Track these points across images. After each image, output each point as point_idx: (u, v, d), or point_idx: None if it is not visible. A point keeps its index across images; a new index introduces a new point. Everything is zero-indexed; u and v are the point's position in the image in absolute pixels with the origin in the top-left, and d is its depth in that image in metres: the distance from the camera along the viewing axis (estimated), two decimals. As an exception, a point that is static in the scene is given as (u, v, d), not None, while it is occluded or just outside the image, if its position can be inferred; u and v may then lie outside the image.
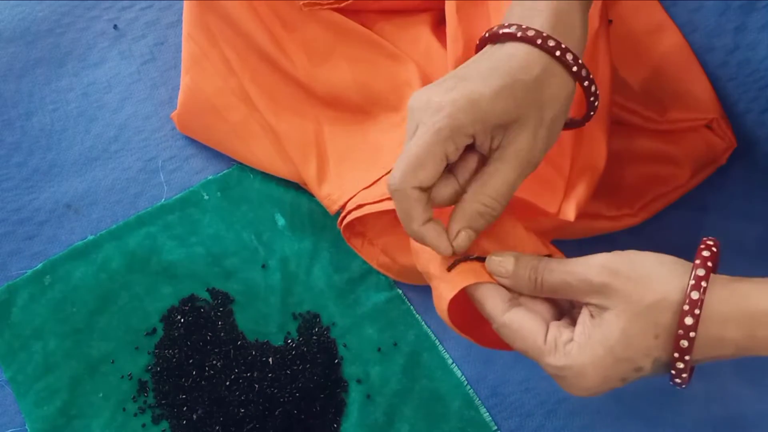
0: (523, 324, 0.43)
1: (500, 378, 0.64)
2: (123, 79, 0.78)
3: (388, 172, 0.66)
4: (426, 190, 0.45)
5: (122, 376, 0.64)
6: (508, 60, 0.45)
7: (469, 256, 0.47)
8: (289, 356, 0.64)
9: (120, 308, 0.67)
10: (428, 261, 0.48)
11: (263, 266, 0.69)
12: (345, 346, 0.66)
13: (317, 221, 0.71)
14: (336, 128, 0.71)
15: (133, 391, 0.64)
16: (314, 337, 0.66)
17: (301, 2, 0.69)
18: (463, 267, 0.46)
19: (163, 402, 0.63)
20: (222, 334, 0.65)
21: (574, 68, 0.45)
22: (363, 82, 0.70)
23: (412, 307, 0.68)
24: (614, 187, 0.67)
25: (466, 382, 0.65)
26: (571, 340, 0.42)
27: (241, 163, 0.73)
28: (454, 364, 0.65)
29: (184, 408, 0.62)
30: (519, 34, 0.45)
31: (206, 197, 0.72)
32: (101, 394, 0.64)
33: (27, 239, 0.70)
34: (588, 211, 0.65)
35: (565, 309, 0.46)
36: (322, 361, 0.64)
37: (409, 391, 0.64)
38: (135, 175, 0.73)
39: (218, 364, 0.64)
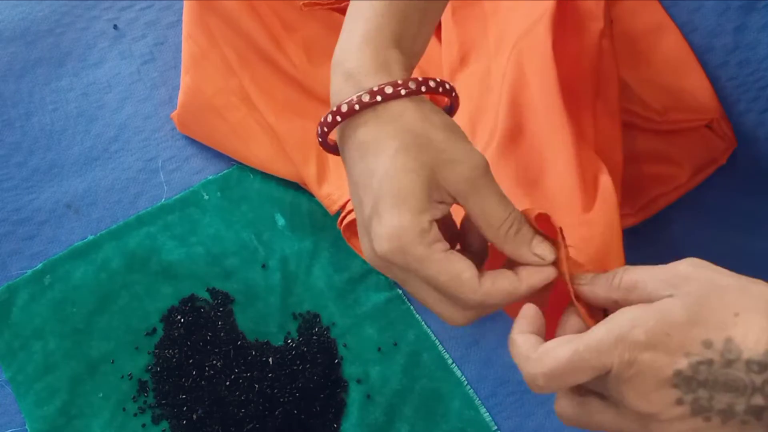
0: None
1: (500, 378, 0.64)
2: (123, 79, 0.78)
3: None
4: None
5: (122, 376, 0.64)
6: (382, 151, 0.37)
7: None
8: (289, 356, 0.64)
9: (120, 308, 0.67)
10: None
11: (263, 266, 0.69)
12: (345, 346, 0.66)
13: (317, 221, 0.71)
14: (336, 128, 0.70)
15: (133, 391, 0.64)
16: (314, 337, 0.66)
17: (301, 2, 0.69)
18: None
19: (163, 402, 0.63)
20: (222, 334, 0.65)
21: (424, 89, 0.39)
22: (363, 82, 0.70)
23: (412, 307, 0.68)
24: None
25: (466, 382, 0.65)
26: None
27: (241, 163, 0.73)
28: (454, 364, 0.65)
29: (184, 408, 0.62)
30: (367, 99, 0.38)
31: (206, 197, 0.72)
32: (101, 394, 0.64)
33: (27, 239, 0.70)
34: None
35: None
36: (322, 361, 0.64)
37: (409, 391, 0.64)
38: (135, 175, 0.73)
39: (218, 364, 0.64)
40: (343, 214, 0.66)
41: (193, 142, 0.75)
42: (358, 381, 0.64)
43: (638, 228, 0.67)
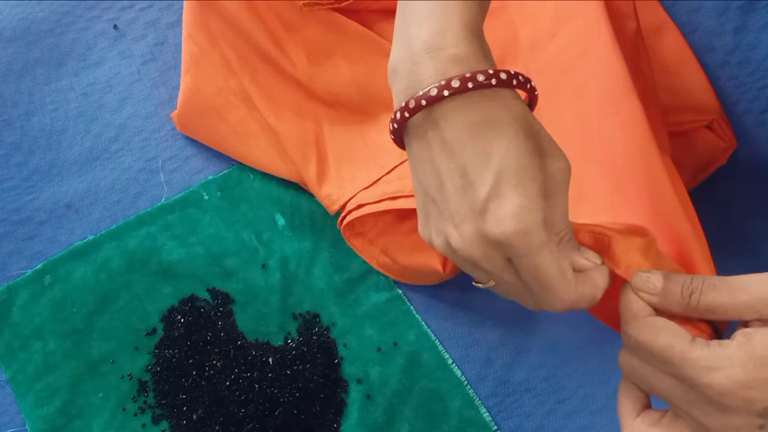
0: (671, 323, 0.39)
1: (500, 378, 0.65)
2: (123, 79, 0.78)
3: (389, 172, 0.66)
4: None
5: (122, 376, 0.64)
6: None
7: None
8: (289, 356, 0.64)
9: (120, 308, 0.67)
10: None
11: (263, 266, 0.69)
12: (345, 346, 0.66)
13: (317, 221, 0.71)
14: (336, 128, 0.71)
15: (133, 391, 0.64)
16: (314, 337, 0.66)
17: (301, 2, 0.69)
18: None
19: (163, 402, 0.63)
20: (222, 334, 0.65)
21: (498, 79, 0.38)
22: (363, 82, 0.70)
23: (412, 307, 0.68)
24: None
25: (466, 382, 0.65)
26: (724, 340, 0.38)
27: (241, 163, 0.73)
28: (454, 364, 0.65)
29: (184, 408, 0.62)
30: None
31: (206, 197, 0.72)
32: (101, 394, 0.64)
33: (27, 239, 0.70)
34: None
35: None
36: (322, 361, 0.64)
37: (409, 391, 0.64)
38: (135, 175, 0.73)
39: (218, 364, 0.64)
40: (343, 214, 0.66)
41: (193, 142, 0.75)
42: (358, 381, 0.64)
43: (638, 228, 0.67)
